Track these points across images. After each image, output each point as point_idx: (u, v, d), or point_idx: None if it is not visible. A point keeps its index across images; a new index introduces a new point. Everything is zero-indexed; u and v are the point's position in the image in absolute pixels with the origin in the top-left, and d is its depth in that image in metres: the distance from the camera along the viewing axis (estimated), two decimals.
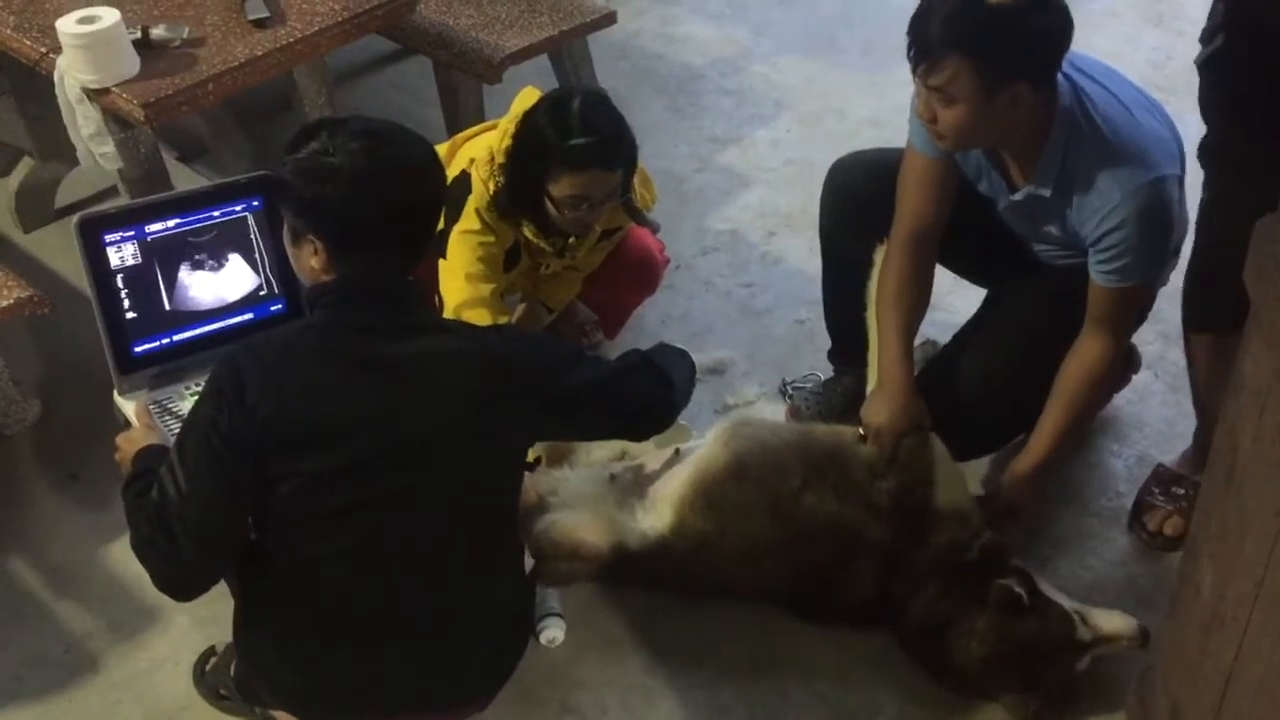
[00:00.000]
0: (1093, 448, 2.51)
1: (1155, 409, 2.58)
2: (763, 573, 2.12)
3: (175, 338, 2.13)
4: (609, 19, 3.19)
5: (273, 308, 2.20)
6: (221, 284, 2.16)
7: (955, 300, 2.61)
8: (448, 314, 2.28)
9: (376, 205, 1.60)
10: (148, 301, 2.11)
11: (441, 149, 2.36)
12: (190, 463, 1.58)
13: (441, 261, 2.32)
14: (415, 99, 3.60)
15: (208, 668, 2.09)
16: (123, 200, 2.64)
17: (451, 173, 2.31)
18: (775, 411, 2.59)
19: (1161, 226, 2.00)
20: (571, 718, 2.08)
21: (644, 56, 3.89)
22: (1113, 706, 2.04)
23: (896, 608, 2.10)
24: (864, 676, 2.13)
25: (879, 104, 3.55)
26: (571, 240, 2.39)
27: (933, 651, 2.08)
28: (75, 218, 2.08)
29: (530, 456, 2.07)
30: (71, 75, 2.42)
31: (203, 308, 2.15)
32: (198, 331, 2.15)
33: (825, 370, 2.63)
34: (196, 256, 2.14)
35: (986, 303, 2.39)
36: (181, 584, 1.69)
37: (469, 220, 2.30)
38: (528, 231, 2.34)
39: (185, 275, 2.13)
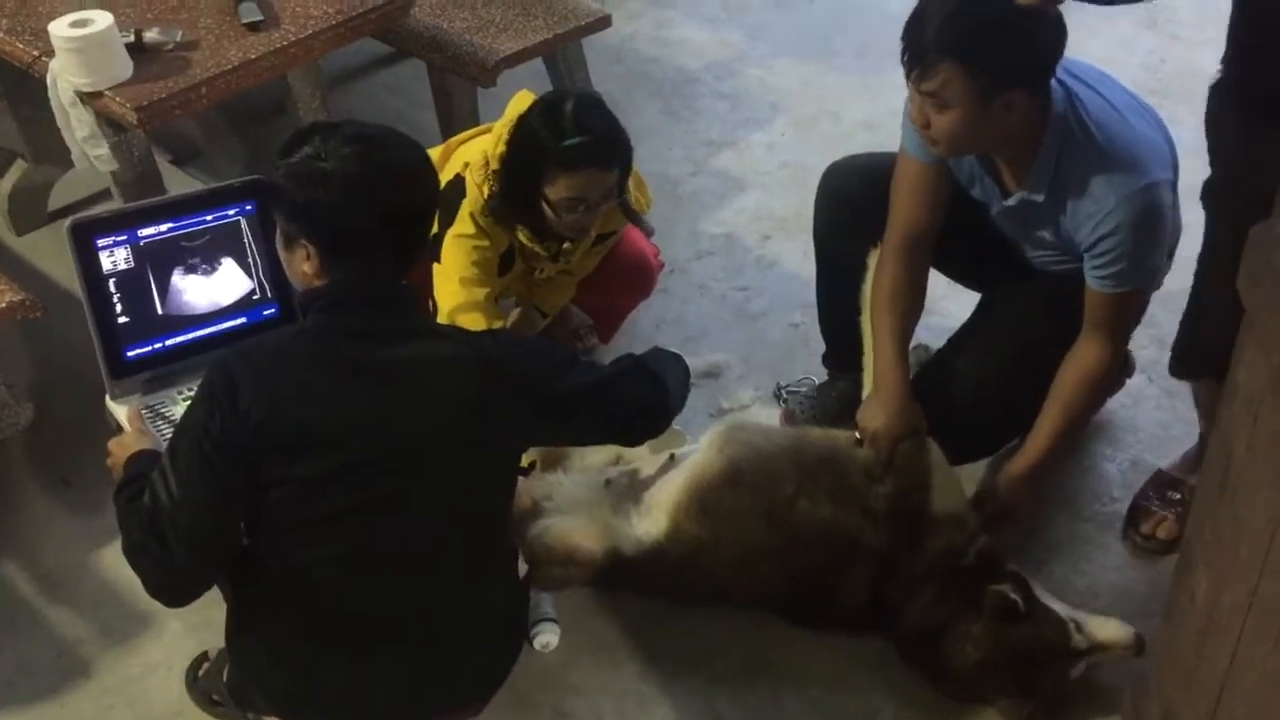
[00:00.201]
0: (1086, 452, 2.51)
1: (1149, 413, 2.58)
2: (758, 578, 2.12)
3: (168, 342, 2.12)
4: (604, 22, 3.19)
5: (265, 312, 2.20)
6: (214, 288, 2.15)
7: (949, 305, 2.61)
8: (442, 318, 2.27)
9: (369, 210, 1.60)
10: (140, 306, 2.10)
11: (435, 153, 2.36)
12: (182, 468, 1.58)
13: (435, 266, 2.31)
14: (409, 102, 3.59)
15: (200, 673, 2.08)
16: (116, 203, 2.64)
17: (445, 177, 2.31)
18: (770, 416, 2.59)
19: (1156, 231, 2.00)
20: None
21: (639, 60, 3.89)
22: (1107, 711, 2.03)
23: (892, 613, 2.10)
24: (859, 682, 2.12)
25: (874, 107, 3.55)
26: (566, 244, 2.38)
27: (928, 656, 2.08)
28: (68, 221, 2.08)
29: (525, 461, 2.06)
30: (64, 78, 2.41)
31: (195, 312, 2.15)
32: (190, 336, 2.14)
33: (820, 374, 2.62)
34: (189, 261, 2.13)
35: (980, 307, 2.39)
36: (173, 589, 1.68)
37: (463, 224, 2.29)
38: (522, 236, 2.34)
39: (178, 279, 2.13)
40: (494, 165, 2.25)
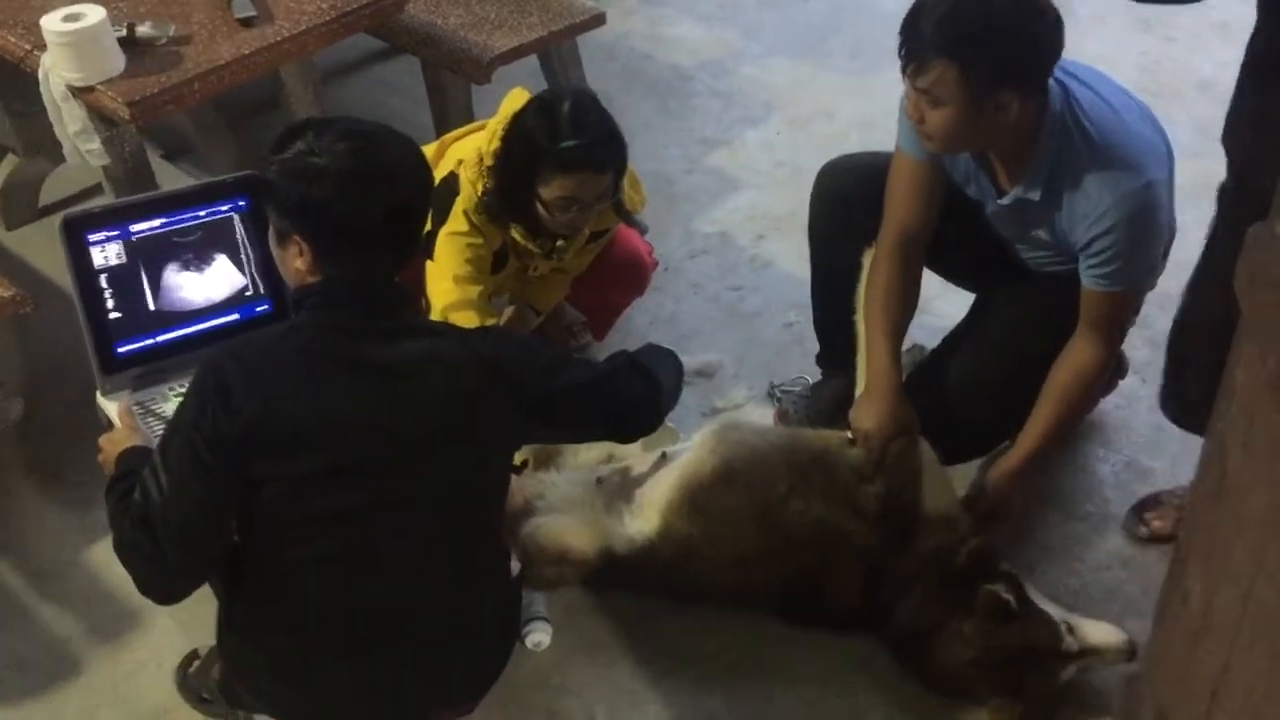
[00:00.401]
0: (1079, 453, 2.51)
1: (1143, 414, 2.58)
2: (750, 577, 2.11)
3: (159, 338, 2.11)
4: (598, 20, 3.18)
5: (258, 308, 2.18)
6: (207, 284, 2.14)
7: (943, 305, 2.61)
8: (435, 316, 2.26)
9: (363, 206, 1.59)
10: (132, 301, 2.09)
11: (429, 149, 2.35)
12: (173, 465, 1.57)
13: (429, 263, 2.30)
14: (403, 98, 3.58)
15: (190, 670, 2.07)
16: (107, 198, 2.62)
17: (439, 174, 2.30)
18: (763, 414, 2.58)
19: (1151, 231, 2.01)
20: None
21: (633, 58, 3.88)
22: (1098, 713, 2.04)
23: (884, 612, 2.10)
24: (850, 681, 2.12)
25: (868, 106, 3.54)
26: (560, 242, 2.38)
27: (919, 655, 2.08)
28: (60, 217, 2.07)
29: (517, 459, 2.06)
30: (56, 73, 2.40)
31: (188, 308, 2.14)
32: (182, 332, 2.13)
33: (814, 374, 2.62)
34: (182, 256, 2.12)
35: (974, 308, 2.39)
36: (164, 587, 1.67)
37: (456, 222, 2.28)
38: (516, 234, 2.33)
39: (170, 275, 2.12)
40: (488, 162, 2.25)
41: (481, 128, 2.37)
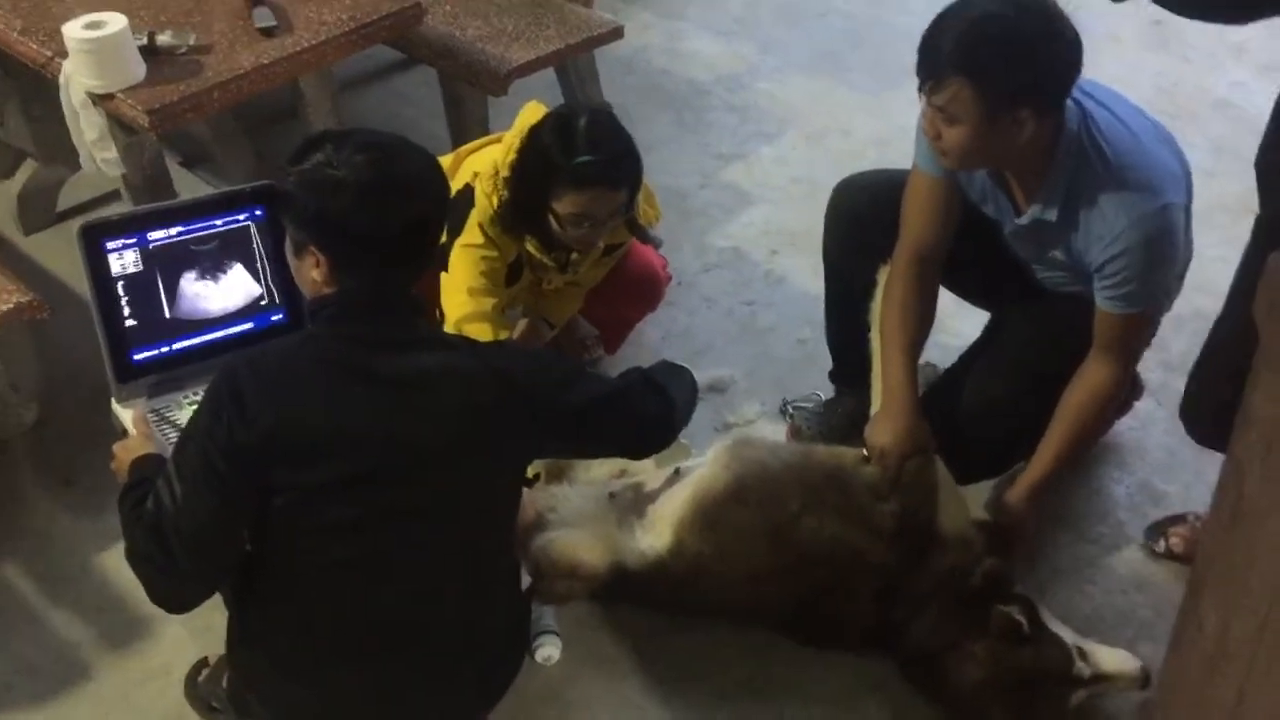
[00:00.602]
0: (1094, 475, 2.50)
1: (1157, 436, 2.57)
2: (761, 595, 2.11)
3: (175, 346, 2.12)
4: (616, 33, 3.19)
5: (273, 318, 2.19)
6: (223, 293, 2.15)
7: (958, 323, 2.60)
8: (449, 328, 2.27)
9: (380, 218, 1.59)
10: (148, 309, 2.09)
11: (445, 161, 2.35)
12: (187, 474, 1.57)
13: (443, 275, 2.31)
14: (420, 109, 3.60)
15: (200, 679, 2.07)
16: (125, 204, 2.64)
17: (455, 186, 2.30)
18: (776, 431, 2.58)
19: (1167, 253, 2.00)
20: None
21: (650, 71, 3.89)
22: None
23: (896, 631, 2.09)
24: (862, 701, 2.11)
25: (884, 123, 3.55)
26: (574, 256, 2.38)
27: (931, 676, 2.07)
28: (78, 224, 2.07)
29: (529, 473, 2.06)
30: (77, 80, 2.41)
31: (203, 316, 2.14)
32: (198, 340, 2.13)
33: (827, 390, 2.62)
34: (198, 265, 2.12)
35: (990, 327, 2.39)
36: (176, 596, 1.67)
37: (471, 234, 2.29)
38: (530, 246, 2.33)
39: (186, 284, 2.12)
40: (503, 174, 2.25)
41: (498, 140, 2.38)
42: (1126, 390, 2.27)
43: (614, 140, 2.18)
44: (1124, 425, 2.57)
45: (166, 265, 2.10)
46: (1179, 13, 1.90)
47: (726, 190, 3.37)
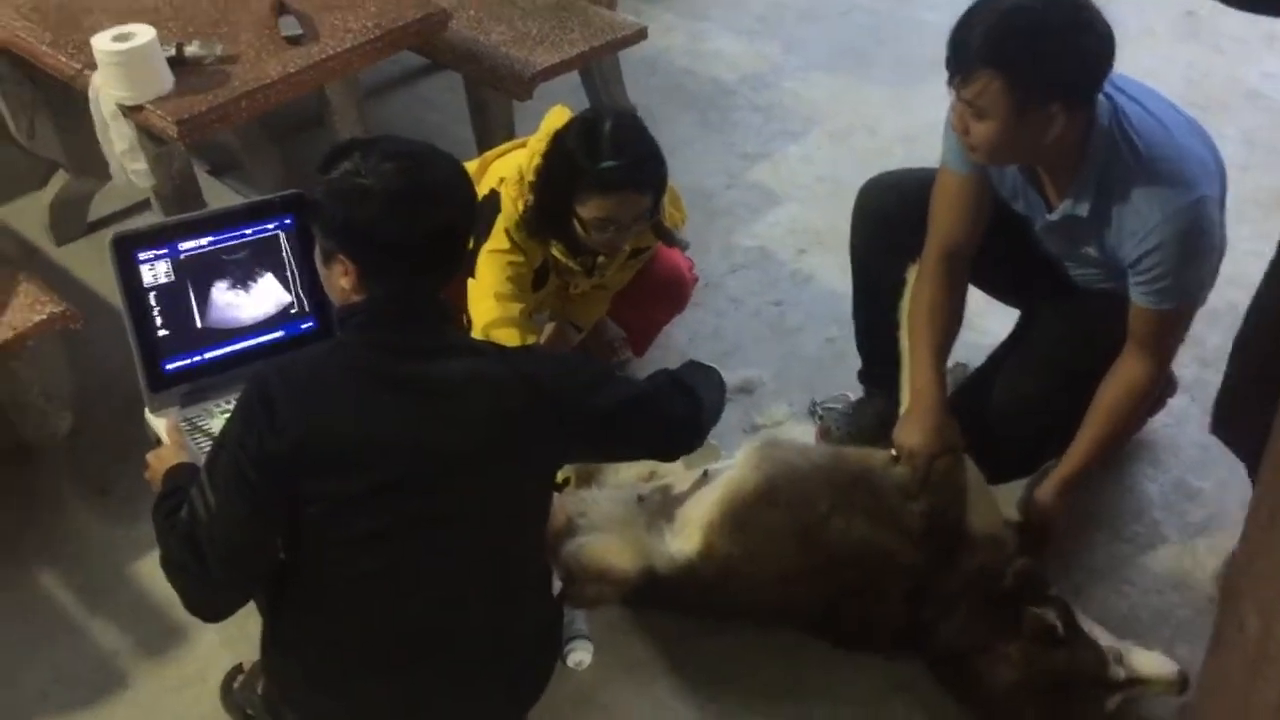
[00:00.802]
0: (1127, 473, 2.48)
1: (1191, 433, 2.54)
2: (791, 596, 2.10)
3: (207, 355, 2.13)
4: (640, 35, 3.19)
5: (304, 326, 2.20)
6: (253, 302, 2.16)
7: (987, 321, 2.58)
8: (476, 333, 2.27)
9: (408, 226, 1.60)
10: (180, 319, 2.11)
11: (471, 166, 2.36)
12: (220, 483, 1.58)
13: (470, 281, 2.31)
14: (445, 114, 3.61)
15: (235, 685, 2.08)
16: (155, 214, 2.66)
17: (481, 191, 2.31)
18: (805, 432, 2.57)
19: (1202, 247, 1.97)
20: None
21: (674, 72, 3.89)
22: None
23: (927, 632, 2.08)
24: (892, 703, 2.10)
25: (910, 120, 3.53)
26: (600, 260, 2.38)
27: (962, 677, 2.06)
28: (109, 235, 2.09)
29: (559, 477, 2.06)
30: (106, 92, 2.44)
31: (234, 325, 2.16)
32: (229, 349, 2.15)
33: (856, 390, 2.60)
34: (229, 274, 2.14)
35: (1020, 324, 2.37)
36: (211, 604, 1.68)
37: (498, 239, 2.29)
38: (556, 251, 2.33)
39: (217, 293, 2.14)
40: (529, 179, 2.25)
41: (523, 145, 2.38)
42: (1161, 387, 2.24)
43: (639, 144, 2.17)
44: (1158, 422, 2.54)
45: (197, 275, 2.12)
46: (1237, 7, 1.86)
47: (752, 190, 3.36)
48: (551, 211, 2.23)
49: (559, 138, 2.20)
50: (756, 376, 2.74)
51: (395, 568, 1.64)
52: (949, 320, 2.21)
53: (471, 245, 2.23)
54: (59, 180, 3.17)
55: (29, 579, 2.36)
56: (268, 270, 2.17)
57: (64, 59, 2.55)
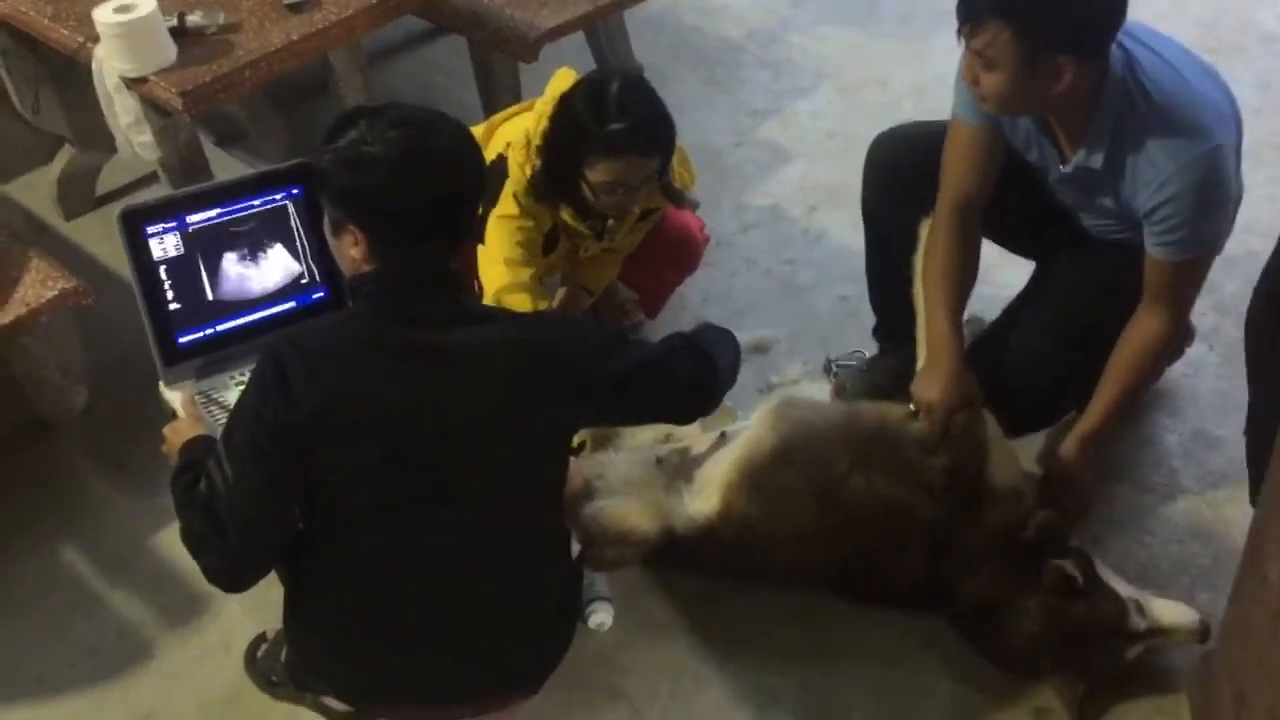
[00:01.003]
0: (1146, 423, 2.46)
1: (1210, 382, 2.53)
2: (811, 555, 2.10)
3: (219, 328, 2.13)
4: None
5: (315, 296, 2.20)
6: (264, 273, 2.16)
7: (1003, 274, 2.56)
8: (487, 300, 2.26)
9: (416, 194, 1.59)
10: (191, 292, 2.11)
11: (478, 131, 2.34)
12: (237, 455, 1.58)
13: (480, 247, 2.30)
14: (450, 78, 3.58)
15: (259, 654, 2.09)
16: (163, 186, 2.65)
17: (488, 156, 2.29)
18: (820, 390, 2.56)
19: (1218, 197, 1.95)
20: (621, 702, 2.08)
21: (681, 29, 3.85)
22: (1164, 690, 2.01)
23: (949, 587, 2.08)
24: (914, 658, 2.11)
25: (921, 73, 3.49)
26: (610, 223, 2.36)
27: (984, 630, 2.06)
28: (117, 210, 2.09)
29: (575, 441, 2.06)
30: (109, 64, 2.42)
31: (246, 297, 2.15)
32: (241, 321, 2.15)
33: (870, 347, 2.59)
34: (238, 246, 2.13)
35: (1035, 277, 2.35)
36: (231, 575, 1.69)
37: (506, 205, 2.28)
38: (565, 215, 2.32)
39: (227, 265, 2.13)
40: (536, 143, 2.23)
41: (529, 108, 2.36)
42: (1179, 337, 2.22)
43: (646, 105, 2.15)
44: (1176, 371, 2.53)
45: (207, 247, 2.11)
46: None
47: (762, 148, 3.33)
48: (559, 175, 2.22)
49: (565, 101, 2.18)
50: (770, 336, 2.73)
51: (398, 545, 1.64)
52: (963, 273, 2.19)
53: (480, 211, 2.22)
54: (65, 155, 3.16)
55: (52, 554, 2.38)
56: (277, 241, 2.16)
57: (66, 32, 2.54)
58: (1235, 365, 2.47)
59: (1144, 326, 2.05)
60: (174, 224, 2.09)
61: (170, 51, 2.41)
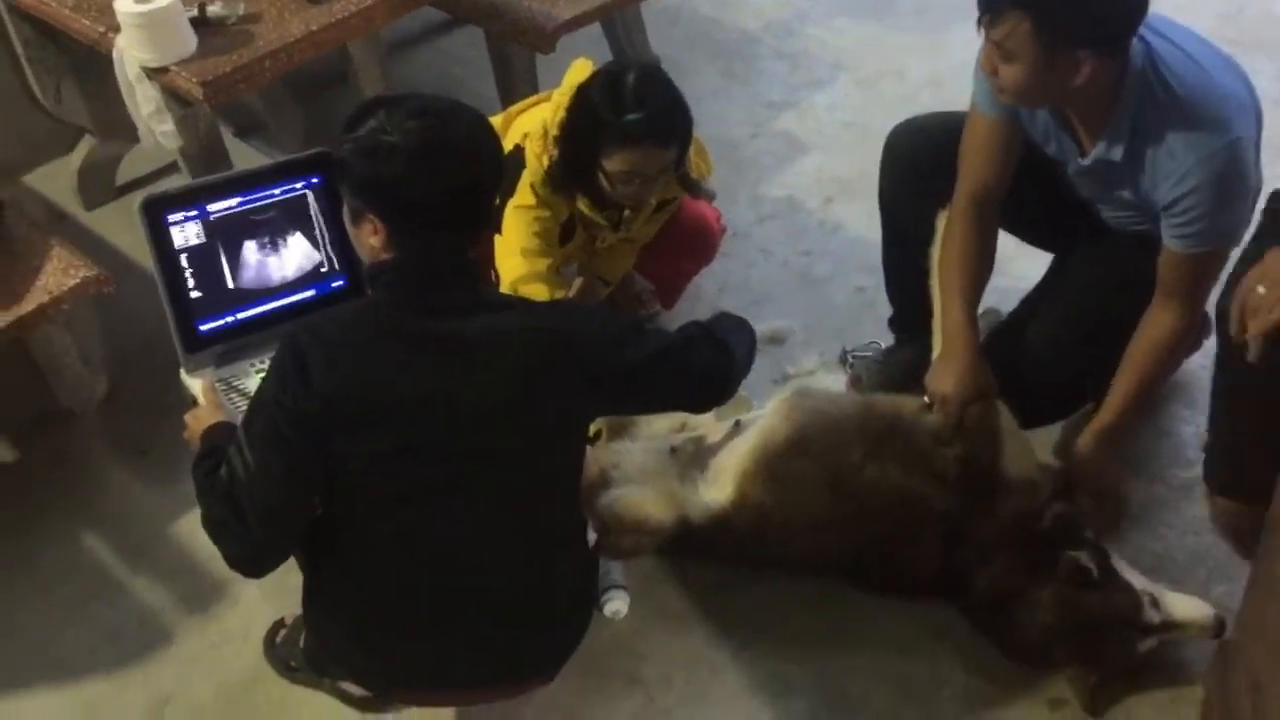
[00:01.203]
0: (1164, 415, 2.46)
1: None
2: (825, 545, 2.11)
3: (239, 316, 2.14)
4: None
5: (334, 284, 2.21)
6: (284, 261, 2.17)
7: (1019, 266, 2.55)
8: (504, 289, 2.27)
9: (434, 183, 1.59)
10: (212, 280, 2.12)
11: (495, 121, 2.35)
12: (257, 442, 1.60)
13: (497, 237, 2.31)
14: (467, 69, 3.59)
15: (278, 640, 2.11)
16: (183, 176, 2.67)
17: (505, 146, 2.30)
18: (836, 381, 2.56)
19: (1237, 190, 1.94)
20: (637, 689, 2.09)
21: (698, 21, 3.85)
22: (1179, 683, 2.01)
23: (963, 578, 2.08)
24: (928, 648, 2.11)
25: (938, 64, 3.48)
26: (626, 213, 2.37)
27: (998, 621, 2.07)
28: (139, 199, 2.10)
29: (591, 430, 2.07)
30: (130, 54, 2.44)
31: (266, 285, 2.16)
32: (262, 309, 2.16)
33: (886, 339, 2.59)
34: (259, 234, 2.14)
35: (1052, 269, 2.35)
36: (252, 561, 1.70)
37: (523, 195, 2.29)
38: (582, 205, 2.33)
39: (248, 253, 2.14)
40: (553, 133, 2.24)
41: (546, 99, 2.37)
42: (1195, 330, 2.22)
43: (663, 96, 2.16)
44: (1193, 363, 2.52)
45: (228, 236, 2.13)
46: None
47: (779, 139, 3.33)
48: (576, 166, 2.23)
49: (582, 91, 2.19)
50: (786, 326, 2.74)
51: (410, 535, 1.65)
52: (980, 265, 2.19)
53: (498, 201, 2.23)
54: (86, 145, 3.18)
55: (73, 540, 2.40)
56: (297, 229, 2.17)
57: (88, 23, 2.55)
58: None
59: (1158, 323, 2.05)
60: (195, 213, 2.10)
61: (191, 42, 2.43)
